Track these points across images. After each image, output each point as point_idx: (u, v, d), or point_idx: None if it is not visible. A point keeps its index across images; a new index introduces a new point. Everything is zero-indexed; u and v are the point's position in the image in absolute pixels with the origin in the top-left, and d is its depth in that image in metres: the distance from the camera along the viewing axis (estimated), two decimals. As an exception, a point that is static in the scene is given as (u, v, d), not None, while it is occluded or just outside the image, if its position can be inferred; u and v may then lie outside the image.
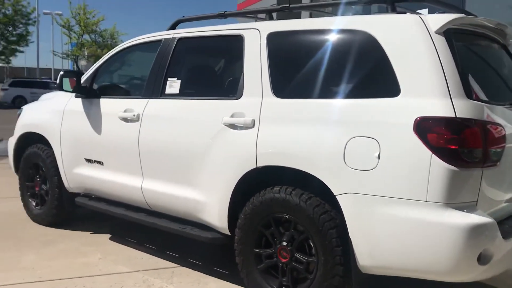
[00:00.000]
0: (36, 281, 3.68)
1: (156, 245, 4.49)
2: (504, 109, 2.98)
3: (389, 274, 2.87)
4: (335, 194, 2.88)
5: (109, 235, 4.80)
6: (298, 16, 9.82)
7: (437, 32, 2.75)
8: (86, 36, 37.22)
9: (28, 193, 5.24)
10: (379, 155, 2.71)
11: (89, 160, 4.48)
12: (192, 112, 3.70)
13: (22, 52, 34.03)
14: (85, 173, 4.53)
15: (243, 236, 3.35)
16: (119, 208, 4.34)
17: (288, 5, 3.55)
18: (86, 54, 38.42)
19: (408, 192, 2.65)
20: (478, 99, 2.75)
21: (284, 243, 3.17)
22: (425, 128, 2.61)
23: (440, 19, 2.79)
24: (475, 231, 2.54)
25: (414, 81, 2.74)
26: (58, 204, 4.91)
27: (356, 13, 3.33)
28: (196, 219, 3.70)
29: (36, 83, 28.87)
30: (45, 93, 5.84)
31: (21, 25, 31.42)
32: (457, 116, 2.58)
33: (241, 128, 3.33)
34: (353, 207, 2.81)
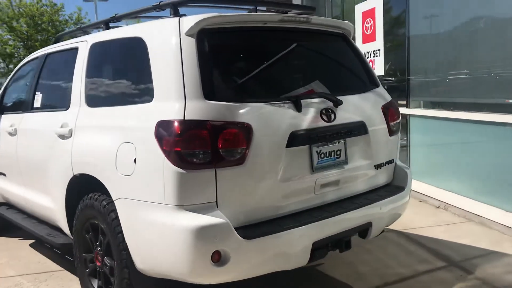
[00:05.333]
0: None
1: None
2: (266, 106, 2.78)
3: (165, 277, 2.82)
4: (113, 199, 2.93)
5: (33, 241, 5.11)
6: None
7: (187, 34, 2.70)
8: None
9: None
10: (135, 160, 2.74)
11: (-2, 173, 4.82)
12: (40, 124, 3.90)
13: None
14: (-3, 184, 4.87)
15: (76, 241, 3.48)
16: (19, 215, 4.61)
17: (115, 14, 3.62)
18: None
19: (153, 196, 2.64)
20: (224, 98, 2.66)
21: (99, 248, 3.26)
22: (160, 131, 2.59)
23: (190, 21, 2.73)
24: (202, 232, 2.47)
25: (163, 85, 2.72)
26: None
27: None
28: (57, 226, 3.89)
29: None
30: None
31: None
32: (184, 119, 2.53)
33: (65, 138, 3.46)
34: (124, 212, 2.85)
